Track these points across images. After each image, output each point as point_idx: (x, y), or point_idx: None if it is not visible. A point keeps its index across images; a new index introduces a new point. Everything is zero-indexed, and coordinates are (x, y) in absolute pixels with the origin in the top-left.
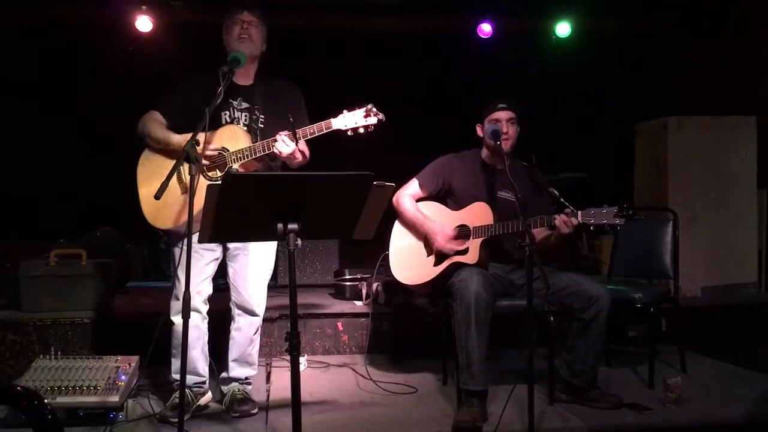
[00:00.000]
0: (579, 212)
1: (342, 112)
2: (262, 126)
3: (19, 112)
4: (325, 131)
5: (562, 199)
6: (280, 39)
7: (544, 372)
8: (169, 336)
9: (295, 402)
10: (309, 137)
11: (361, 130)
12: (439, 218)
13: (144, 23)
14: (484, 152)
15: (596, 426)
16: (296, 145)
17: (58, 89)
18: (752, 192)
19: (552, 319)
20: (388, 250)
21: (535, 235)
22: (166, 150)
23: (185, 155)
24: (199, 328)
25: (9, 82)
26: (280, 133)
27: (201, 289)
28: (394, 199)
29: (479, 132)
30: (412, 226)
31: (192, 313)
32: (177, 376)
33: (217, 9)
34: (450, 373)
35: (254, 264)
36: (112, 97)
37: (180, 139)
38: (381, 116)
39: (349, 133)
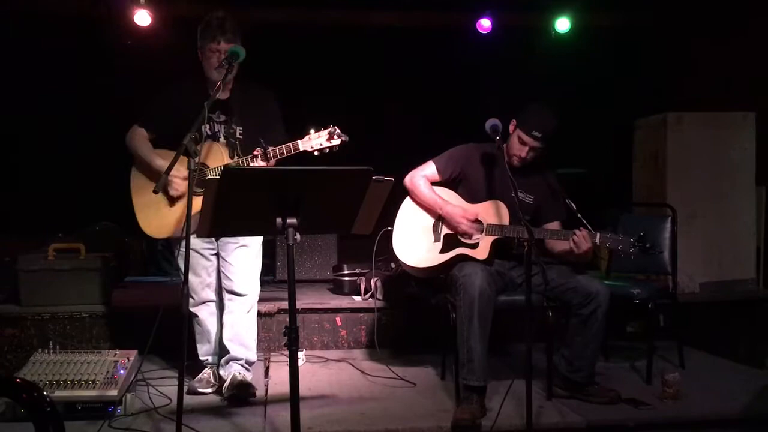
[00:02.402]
0: (598, 234)
1: (309, 134)
2: (240, 137)
3: (16, 107)
4: (293, 152)
5: (579, 215)
6: (279, 34)
7: (542, 367)
8: (169, 328)
9: (294, 396)
10: (279, 158)
11: (327, 151)
12: None
13: (143, 17)
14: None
15: (594, 421)
16: (267, 164)
17: (57, 83)
18: (751, 188)
19: (551, 314)
20: (390, 227)
21: (554, 246)
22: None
23: (184, 150)
24: (214, 314)
25: (7, 77)
26: (255, 152)
27: (210, 281)
28: (407, 178)
29: (511, 129)
30: (427, 208)
31: (208, 304)
32: (204, 359)
33: (216, 3)
34: (448, 367)
35: (241, 248)
36: (110, 91)
37: (161, 163)
38: (344, 138)
39: (315, 153)
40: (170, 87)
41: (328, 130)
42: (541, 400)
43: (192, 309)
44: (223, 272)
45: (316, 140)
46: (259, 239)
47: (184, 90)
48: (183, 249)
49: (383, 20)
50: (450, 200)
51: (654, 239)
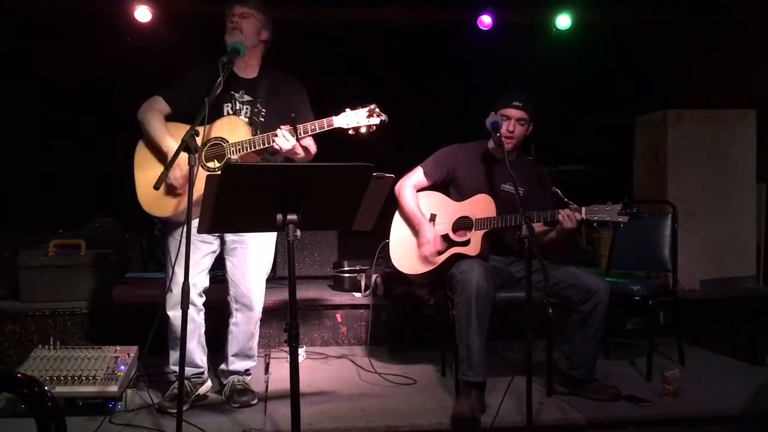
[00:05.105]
0: (583, 208)
1: (345, 110)
2: (263, 120)
3: (17, 103)
4: (326, 128)
5: (565, 199)
6: (280, 31)
7: (542, 364)
8: (167, 328)
9: (294, 393)
10: (310, 134)
11: (363, 130)
12: (441, 209)
13: (143, 13)
14: (490, 143)
15: (594, 418)
16: (296, 140)
17: (57, 79)
18: (751, 185)
19: (551, 311)
20: (388, 239)
21: (535, 229)
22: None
23: (184, 146)
24: (194, 320)
25: (7, 73)
26: (281, 127)
27: (196, 281)
28: (396, 187)
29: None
30: (409, 220)
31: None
32: (175, 368)
33: (217, 0)
34: (448, 364)
35: (252, 258)
36: (110, 87)
37: (171, 146)
38: (384, 117)
39: (350, 131)
40: (198, 66)
41: (368, 107)
42: (541, 396)
43: (168, 311)
44: (231, 278)
45: (353, 117)
46: (272, 245)
47: (211, 71)
48: (181, 237)
49: (384, 16)
50: (436, 204)
51: (654, 237)
